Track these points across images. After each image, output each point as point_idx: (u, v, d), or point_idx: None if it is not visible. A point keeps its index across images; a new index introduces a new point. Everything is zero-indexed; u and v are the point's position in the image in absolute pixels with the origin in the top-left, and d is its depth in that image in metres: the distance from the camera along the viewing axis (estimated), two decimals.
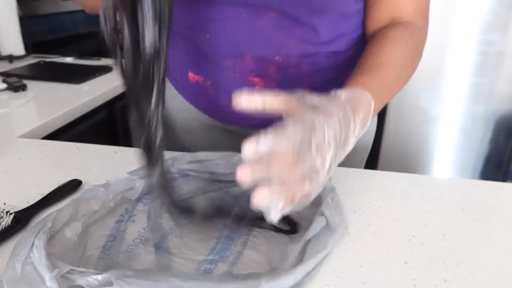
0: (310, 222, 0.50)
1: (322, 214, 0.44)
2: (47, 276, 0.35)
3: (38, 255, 0.37)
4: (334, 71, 0.65)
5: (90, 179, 0.59)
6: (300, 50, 0.61)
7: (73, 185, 0.57)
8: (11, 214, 0.48)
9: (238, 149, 0.40)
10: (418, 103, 1.85)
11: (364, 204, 0.55)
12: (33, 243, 0.38)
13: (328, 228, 0.43)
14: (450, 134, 1.89)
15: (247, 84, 0.63)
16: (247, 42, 0.60)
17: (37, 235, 0.40)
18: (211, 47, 0.62)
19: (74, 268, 0.36)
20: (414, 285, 0.41)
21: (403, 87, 0.57)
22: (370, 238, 0.48)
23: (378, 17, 0.61)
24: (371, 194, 0.58)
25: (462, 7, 1.66)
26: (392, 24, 0.59)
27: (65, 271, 0.36)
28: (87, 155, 0.69)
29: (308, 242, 0.42)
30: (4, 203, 0.53)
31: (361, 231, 0.50)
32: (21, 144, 0.76)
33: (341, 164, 0.67)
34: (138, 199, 0.54)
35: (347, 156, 0.73)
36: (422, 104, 1.85)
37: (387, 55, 0.54)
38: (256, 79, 0.62)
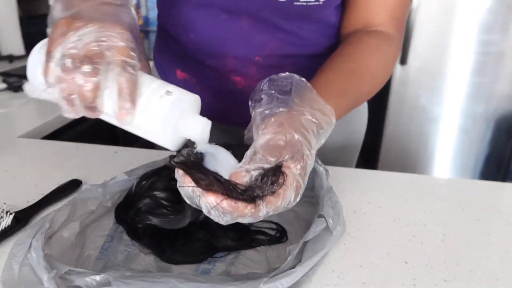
0: (307, 221, 0.50)
1: (321, 216, 0.44)
2: (45, 277, 0.35)
3: (36, 256, 0.37)
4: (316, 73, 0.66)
5: (90, 179, 0.59)
6: (281, 51, 0.61)
7: (73, 185, 0.57)
8: (11, 214, 0.48)
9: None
10: (418, 103, 1.85)
11: (364, 204, 0.55)
12: (30, 244, 0.38)
13: (326, 228, 0.43)
14: (450, 134, 1.89)
15: (229, 83, 0.64)
16: (227, 42, 0.61)
17: (34, 236, 0.39)
18: (194, 46, 0.64)
19: (72, 268, 0.36)
20: (414, 285, 0.41)
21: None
22: (370, 238, 0.48)
23: (352, 21, 0.60)
24: (371, 194, 0.58)
25: (462, 7, 1.66)
26: (366, 31, 0.58)
27: (63, 271, 0.36)
28: (87, 155, 0.69)
29: (306, 242, 0.42)
30: (4, 203, 0.53)
31: (361, 231, 0.49)
32: (21, 144, 0.76)
33: (333, 163, 0.68)
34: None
35: (338, 155, 0.73)
36: (422, 104, 1.85)
37: (361, 64, 0.54)
38: (237, 78, 0.64)
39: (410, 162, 1.96)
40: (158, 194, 0.49)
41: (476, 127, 1.85)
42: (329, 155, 0.72)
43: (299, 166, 0.38)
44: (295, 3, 0.55)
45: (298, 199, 0.38)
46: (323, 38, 0.63)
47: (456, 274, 0.43)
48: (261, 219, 0.37)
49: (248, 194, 0.36)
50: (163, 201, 0.48)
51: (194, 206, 0.38)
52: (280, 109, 0.42)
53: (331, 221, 0.43)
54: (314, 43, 0.63)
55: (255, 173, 0.37)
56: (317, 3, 0.56)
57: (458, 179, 0.65)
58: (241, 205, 0.35)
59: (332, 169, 0.61)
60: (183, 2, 0.60)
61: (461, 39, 1.70)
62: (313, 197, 0.53)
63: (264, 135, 0.40)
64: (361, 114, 0.76)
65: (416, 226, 0.51)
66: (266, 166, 0.37)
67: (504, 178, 1.92)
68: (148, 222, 0.47)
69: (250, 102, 0.44)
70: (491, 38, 1.69)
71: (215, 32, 0.60)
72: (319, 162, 0.54)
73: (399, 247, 0.47)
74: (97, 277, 0.36)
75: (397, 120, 1.90)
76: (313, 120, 0.42)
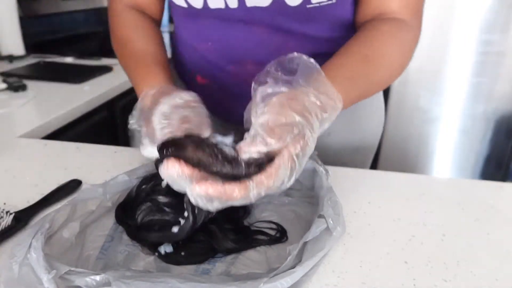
0: (307, 221, 0.50)
1: (321, 216, 0.43)
2: (45, 277, 0.35)
3: (36, 256, 0.37)
4: None
5: (90, 179, 0.59)
6: (299, 52, 0.61)
7: (73, 185, 0.57)
8: (11, 214, 0.48)
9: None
10: (418, 103, 1.85)
11: (364, 204, 0.55)
12: (30, 244, 0.38)
13: (326, 228, 0.43)
14: (450, 134, 1.89)
15: (250, 88, 0.64)
16: (245, 48, 0.61)
17: (34, 236, 0.39)
18: (213, 54, 0.64)
19: (72, 269, 0.36)
20: (414, 285, 0.41)
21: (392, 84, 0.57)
22: (370, 238, 0.48)
23: (366, 12, 0.58)
24: (371, 194, 0.58)
25: (462, 7, 1.66)
26: (381, 19, 0.56)
27: (63, 272, 0.36)
28: (87, 155, 0.69)
29: (306, 243, 0.42)
30: (4, 203, 0.53)
31: (361, 231, 0.49)
32: (21, 144, 0.76)
33: (347, 164, 0.68)
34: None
35: (353, 156, 0.72)
36: (422, 104, 1.85)
37: (375, 50, 0.52)
38: None
39: (410, 162, 1.96)
40: (160, 199, 0.49)
41: (476, 127, 1.85)
42: (343, 156, 0.71)
43: (298, 146, 0.37)
44: (307, 5, 0.54)
45: (292, 181, 0.37)
46: (340, 34, 0.62)
47: (456, 274, 0.43)
48: (253, 200, 0.36)
49: (236, 163, 0.36)
50: (165, 207, 0.48)
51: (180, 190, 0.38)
52: (282, 89, 0.40)
53: (331, 221, 0.43)
54: (330, 40, 0.61)
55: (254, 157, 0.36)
56: (330, 2, 0.55)
57: (458, 179, 0.65)
58: (228, 188, 0.35)
59: (332, 169, 0.61)
60: (199, 14, 0.60)
61: (461, 39, 1.70)
62: (313, 197, 0.53)
63: (263, 115, 0.38)
64: (378, 116, 0.75)
65: (416, 226, 0.51)
66: (264, 150, 0.36)
67: (504, 178, 1.91)
68: (149, 240, 0.46)
69: (253, 84, 0.43)
70: (492, 38, 1.69)
71: (233, 39, 0.61)
72: (319, 162, 0.53)
73: (399, 247, 0.47)
74: (97, 277, 0.36)
75: (397, 120, 1.90)
76: (317, 102, 0.40)
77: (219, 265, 0.44)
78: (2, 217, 0.47)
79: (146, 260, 0.44)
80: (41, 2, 1.77)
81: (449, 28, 1.70)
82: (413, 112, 1.86)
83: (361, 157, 0.75)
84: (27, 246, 0.38)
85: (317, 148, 0.54)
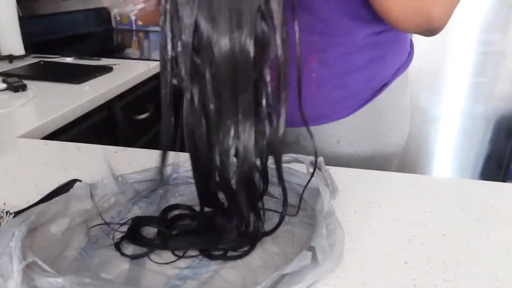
0: (302, 246, 0.46)
1: (311, 249, 0.39)
2: (15, 267, 0.33)
3: (14, 246, 0.35)
4: (350, 72, 0.63)
5: (90, 179, 0.59)
6: (304, 42, 0.58)
7: (73, 185, 0.57)
8: (11, 214, 0.48)
9: None
10: (418, 103, 1.85)
11: (364, 204, 0.55)
12: (13, 234, 0.37)
13: (314, 260, 0.38)
14: (450, 134, 1.89)
15: None
16: None
17: (18, 226, 0.38)
18: None
19: (38, 261, 0.35)
20: (414, 285, 0.41)
21: None
22: (370, 238, 0.48)
23: None
24: (371, 194, 0.58)
25: (462, 7, 1.66)
26: None
27: (29, 261, 0.34)
28: (87, 155, 0.69)
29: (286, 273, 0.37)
30: (4, 203, 0.53)
31: (361, 231, 0.49)
32: (21, 144, 0.76)
33: (368, 167, 0.66)
34: (134, 202, 0.53)
35: (363, 166, 0.70)
36: (422, 104, 1.85)
37: None
38: None
39: (410, 162, 1.96)
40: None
41: (476, 127, 1.85)
42: (353, 166, 0.69)
43: None
44: None
45: None
46: (354, 24, 0.57)
47: (456, 274, 0.43)
48: None
49: None
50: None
51: None
52: None
53: (321, 254, 0.39)
54: (342, 32, 0.58)
55: None
56: None
57: (458, 179, 0.65)
58: None
59: (332, 169, 0.61)
60: None
61: (461, 39, 1.70)
62: (313, 218, 0.49)
63: None
64: (399, 128, 0.73)
65: (416, 226, 0.51)
66: None
67: (504, 178, 1.92)
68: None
69: None
70: (492, 38, 1.69)
71: None
72: (329, 181, 0.50)
73: (399, 247, 0.47)
74: (53, 280, 0.34)
75: None
76: None
77: (190, 283, 0.41)
78: (2, 217, 0.47)
79: (120, 268, 0.43)
80: (41, 2, 1.77)
81: (449, 28, 1.69)
82: (413, 112, 1.86)
83: (375, 168, 0.72)
84: (10, 235, 0.37)
85: (325, 156, 0.53)
